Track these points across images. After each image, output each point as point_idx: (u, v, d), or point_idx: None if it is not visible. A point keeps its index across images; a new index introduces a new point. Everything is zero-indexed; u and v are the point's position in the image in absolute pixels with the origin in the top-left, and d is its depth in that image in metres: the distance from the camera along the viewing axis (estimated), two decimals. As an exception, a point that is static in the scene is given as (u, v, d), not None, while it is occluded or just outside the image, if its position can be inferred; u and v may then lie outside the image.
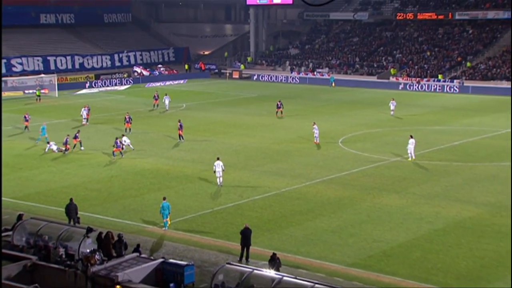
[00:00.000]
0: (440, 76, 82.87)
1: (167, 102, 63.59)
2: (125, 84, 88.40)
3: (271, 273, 21.42)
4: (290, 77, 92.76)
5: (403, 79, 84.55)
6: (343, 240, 28.06)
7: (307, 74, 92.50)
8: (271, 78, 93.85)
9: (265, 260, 25.46)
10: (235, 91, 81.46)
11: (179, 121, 49.72)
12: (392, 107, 57.57)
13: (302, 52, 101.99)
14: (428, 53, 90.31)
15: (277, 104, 60.78)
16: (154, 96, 64.04)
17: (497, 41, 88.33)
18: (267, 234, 28.98)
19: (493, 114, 61.71)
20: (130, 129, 51.38)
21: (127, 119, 51.86)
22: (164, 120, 59.32)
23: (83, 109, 56.98)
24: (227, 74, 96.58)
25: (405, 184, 36.81)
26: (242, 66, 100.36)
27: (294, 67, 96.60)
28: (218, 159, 36.97)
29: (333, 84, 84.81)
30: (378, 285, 23.33)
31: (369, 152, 44.64)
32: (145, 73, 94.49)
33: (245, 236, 25.96)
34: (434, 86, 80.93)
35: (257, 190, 35.87)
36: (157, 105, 63.07)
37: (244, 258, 25.86)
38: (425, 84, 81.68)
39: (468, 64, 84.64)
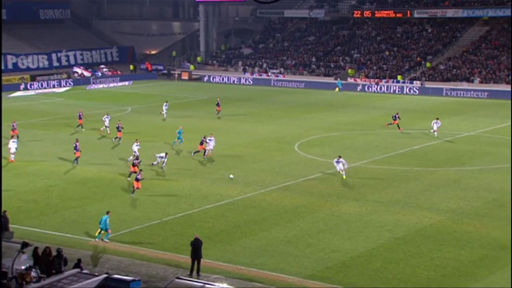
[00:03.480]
0: (399, 77, 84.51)
1: (165, 109, 61.59)
2: (64, 86, 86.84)
3: (224, 287, 21.37)
4: (243, 78, 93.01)
5: (361, 80, 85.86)
6: (300, 251, 28.25)
7: (261, 75, 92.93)
8: (222, 79, 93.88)
9: (217, 274, 25.43)
10: (185, 93, 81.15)
11: (119, 123, 50.29)
12: (435, 127, 52.36)
13: (255, 52, 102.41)
14: (387, 53, 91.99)
15: (217, 103, 61.99)
16: (79, 115, 55.66)
17: (456, 41, 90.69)
18: (219, 246, 28.93)
19: (454, 116, 63.27)
20: (120, 138, 50.17)
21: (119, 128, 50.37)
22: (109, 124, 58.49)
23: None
24: (176, 75, 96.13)
25: (364, 190, 37.35)
26: (191, 67, 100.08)
27: (247, 67, 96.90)
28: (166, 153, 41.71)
29: (337, 89, 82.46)
30: (336, 297, 23.60)
31: (327, 157, 45.12)
32: (86, 74, 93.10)
33: (195, 248, 25.86)
34: (393, 88, 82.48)
35: (209, 199, 35.78)
36: (82, 126, 55.33)
37: (195, 272, 25.73)
38: (384, 85, 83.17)
39: (428, 64, 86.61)
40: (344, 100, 76.01)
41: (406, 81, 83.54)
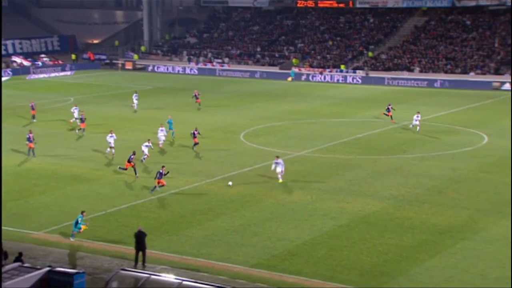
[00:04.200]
0: (342, 67, 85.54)
1: (135, 101, 60.53)
2: (3, 76, 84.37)
3: (170, 278, 21.28)
4: (188, 68, 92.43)
5: (305, 69, 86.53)
6: (246, 240, 28.36)
7: (206, 65, 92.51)
8: (167, 69, 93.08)
9: (163, 264, 25.28)
10: (129, 83, 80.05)
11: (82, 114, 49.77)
12: (417, 122, 50.14)
13: (200, 41, 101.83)
14: (330, 43, 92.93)
15: (195, 95, 60.99)
16: (31, 106, 55.00)
17: (397, 31, 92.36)
18: (165, 236, 28.76)
19: (395, 105, 64.41)
20: (84, 129, 49.15)
21: (82, 119, 49.25)
22: (50, 115, 57.30)
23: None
24: (119, 65, 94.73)
25: (310, 179, 37.73)
26: (135, 56, 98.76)
27: (191, 57, 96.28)
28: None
29: (290, 79, 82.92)
30: (282, 285, 23.78)
31: (273, 147, 45.35)
32: (26, 63, 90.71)
33: (139, 240, 25.64)
34: (337, 77, 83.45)
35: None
36: (34, 117, 54.51)
37: (140, 263, 25.52)
38: (328, 75, 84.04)
39: (370, 54, 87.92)
40: (289, 89, 76.47)
41: (349, 70, 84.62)
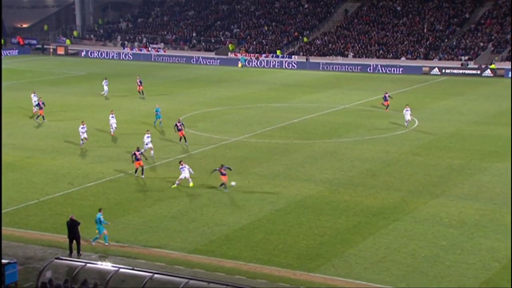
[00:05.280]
0: (278, 52, 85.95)
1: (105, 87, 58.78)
2: None
3: (107, 265, 21.03)
4: (123, 53, 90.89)
5: (241, 55, 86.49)
6: (183, 226, 28.28)
7: (141, 50, 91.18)
8: (101, 54, 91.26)
9: (99, 252, 24.93)
10: (61, 69, 78.10)
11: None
12: (408, 117, 46.95)
13: (134, 26, 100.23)
14: (266, 28, 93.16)
15: (138, 82, 59.77)
16: None
17: (331, 16, 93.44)
18: (101, 224, 28.33)
19: (330, 90, 65.40)
20: (43, 117, 47.71)
21: (41, 105, 47.35)
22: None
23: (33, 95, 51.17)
24: (51, 50, 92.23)
25: (247, 164, 37.87)
26: (68, 41, 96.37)
27: (126, 42, 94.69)
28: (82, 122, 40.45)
29: (240, 65, 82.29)
30: (220, 270, 23.86)
31: (210, 132, 45.25)
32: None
33: (71, 228, 25.19)
34: (273, 62, 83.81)
35: (90, 177, 34.89)
36: None
37: (75, 252, 25.09)
38: (264, 60, 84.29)
39: (305, 39, 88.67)
40: (225, 75, 76.35)
41: (285, 55, 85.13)
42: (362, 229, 27.79)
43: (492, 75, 72.87)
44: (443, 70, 75.01)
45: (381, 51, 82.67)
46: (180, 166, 33.44)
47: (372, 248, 25.83)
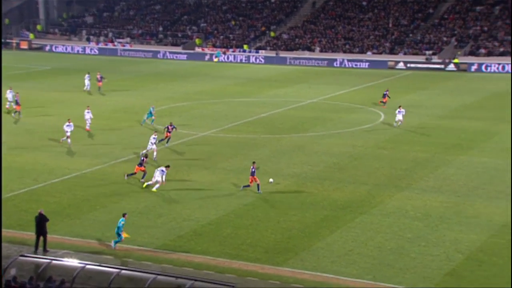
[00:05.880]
0: (245, 47, 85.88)
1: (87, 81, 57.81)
2: None
3: (73, 262, 20.82)
4: (88, 48, 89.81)
5: (208, 49, 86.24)
6: (151, 221, 28.14)
7: (106, 45, 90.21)
8: (66, 48, 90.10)
9: (66, 249, 24.67)
10: (25, 64, 76.86)
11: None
12: (400, 117, 45.38)
13: (100, 21, 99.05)
14: (233, 22, 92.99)
15: (98, 78, 58.96)
16: None
17: (298, 11, 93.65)
18: (67, 220, 28.06)
19: (297, 85, 65.62)
20: (19, 112, 46.74)
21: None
22: None
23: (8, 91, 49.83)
24: (14, 44, 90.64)
25: (215, 159, 37.82)
26: (31, 36, 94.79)
27: (91, 37, 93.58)
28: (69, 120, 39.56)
29: (216, 59, 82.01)
30: (188, 265, 23.82)
31: (177, 127, 44.98)
32: None
33: (39, 224, 24.88)
34: (240, 57, 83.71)
35: (55, 173, 34.46)
36: None
37: (41, 248, 24.78)
38: (231, 55, 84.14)
39: (272, 34, 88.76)
40: (193, 69, 76.04)
41: (252, 50, 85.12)
42: (329, 223, 28.00)
43: (455, 69, 73.95)
44: (408, 65, 75.85)
45: (347, 46, 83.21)
46: (161, 169, 32.08)
47: (339, 241, 26.06)
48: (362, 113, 50.99)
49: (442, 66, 74.78)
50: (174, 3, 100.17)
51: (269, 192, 32.07)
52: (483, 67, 72.64)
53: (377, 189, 32.47)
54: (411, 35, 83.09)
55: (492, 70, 72.06)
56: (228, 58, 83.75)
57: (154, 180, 32.11)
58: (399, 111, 45.40)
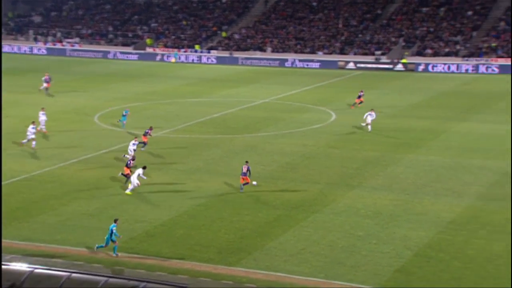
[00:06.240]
0: (197, 47, 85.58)
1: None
2: None
3: (21, 266, 20.35)
4: (36, 48, 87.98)
5: (160, 49, 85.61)
6: (102, 224, 27.73)
7: (55, 45, 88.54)
8: (12, 48, 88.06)
9: (14, 253, 24.09)
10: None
11: None
12: (369, 120, 44.38)
13: (47, 20, 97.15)
14: (184, 22, 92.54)
15: (46, 79, 57.62)
16: None
17: (249, 11, 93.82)
18: (15, 224, 27.44)
19: (249, 85, 65.75)
20: None
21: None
22: None
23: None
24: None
25: (167, 160, 37.57)
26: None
27: (39, 36, 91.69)
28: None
29: (173, 60, 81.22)
30: (141, 267, 23.60)
31: (129, 128, 44.54)
32: None
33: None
34: (191, 57, 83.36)
35: (3, 175, 33.58)
36: None
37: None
38: (183, 55, 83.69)
39: (224, 34, 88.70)
40: (144, 70, 75.36)
41: (203, 50, 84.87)
42: (282, 222, 28.16)
43: (403, 69, 75.31)
44: (358, 65, 76.88)
45: (298, 46, 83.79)
46: (141, 172, 31.61)
47: (292, 240, 26.23)
48: (313, 112, 51.45)
49: (391, 66, 76.07)
50: (124, 3, 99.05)
51: (222, 192, 32.05)
52: (429, 67, 74.19)
53: (329, 188, 32.82)
54: (360, 35, 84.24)
55: (438, 70, 73.68)
56: (180, 58, 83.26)
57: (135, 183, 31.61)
58: (370, 114, 44.46)
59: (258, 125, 46.90)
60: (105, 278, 18.91)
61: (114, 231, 24.64)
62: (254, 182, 32.56)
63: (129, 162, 33.19)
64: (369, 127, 44.03)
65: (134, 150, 36.36)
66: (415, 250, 25.20)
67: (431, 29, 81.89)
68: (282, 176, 34.77)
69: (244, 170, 32.11)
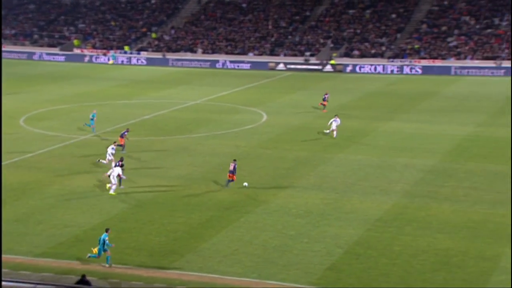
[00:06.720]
0: (126, 48, 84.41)
1: None
2: None
3: None
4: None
5: (88, 50, 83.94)
6: (30, 229, 27.00)
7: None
8: None
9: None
10: None
11: None
12: (334, 126, 43.06)
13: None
14: (113, 23, 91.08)
15: None
16: None
17: (179, 12, 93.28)
18: None
19: (180, 86, 65.40)
20: None
21: None
22: None
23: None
24: None
25: (95, 163, 36.83)
26: None
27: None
28: None
29: (111, 62, 79.32)
30: (70, 273, 23.04)
31: (56, 131, 43.50)
32: None
33: None
34: (121, 58, 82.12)
35: None
36: None
37: None
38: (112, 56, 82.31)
39: (154, 35, 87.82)
40: (72, 71, 73.72)
41: (133, 51, 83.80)
42: (215, 223, 28.14)
43: (332, 70, 76.63)
44: (288, 66, 77.70)
45: (229, 47, 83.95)
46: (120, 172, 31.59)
47: (225, 241, 26.25)
48: (245, 113, 51.65)
49: (320, 67, 77.27)
50: (49, 3, 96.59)
51: (154, 194, 31.73)
52: (357, 68, 75.82)
53: (261, 188, 33.01)
54: (290, 37, 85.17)
55: (365, 71, 75.38)
56: (108, 59, 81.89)
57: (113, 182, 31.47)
58: (334, 120, 43.24)
59: (189, 127, 46.69)
60: (32, 285, 18.38)
61: (106, 241, 23.81)
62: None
63: (118, 163, 32.62)
64: (335, 133, 42.83)
65: (113, 154, 35.41)
66: (345, 248, 25.68)
67: (358, 31, 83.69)
68: (214, 177, 34.73)
69: (231, 168, 32.56)
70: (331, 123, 43.20)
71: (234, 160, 33.18)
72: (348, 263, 24.38)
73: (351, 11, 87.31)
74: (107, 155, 35.47)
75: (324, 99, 52.64)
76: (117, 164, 32.46)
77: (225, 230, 27.39)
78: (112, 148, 35.84)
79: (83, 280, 21.01)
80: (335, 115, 44.07)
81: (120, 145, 38.33)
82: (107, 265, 24.01)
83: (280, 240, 26.37)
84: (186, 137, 43.63)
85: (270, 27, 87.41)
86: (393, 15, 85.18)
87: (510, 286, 22.56)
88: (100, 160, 35.62)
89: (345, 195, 31.96)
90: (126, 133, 39.31)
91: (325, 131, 43.46)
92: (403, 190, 32.65)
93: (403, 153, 39.63)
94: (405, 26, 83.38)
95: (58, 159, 37.25)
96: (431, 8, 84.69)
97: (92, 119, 43.52)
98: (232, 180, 32.68)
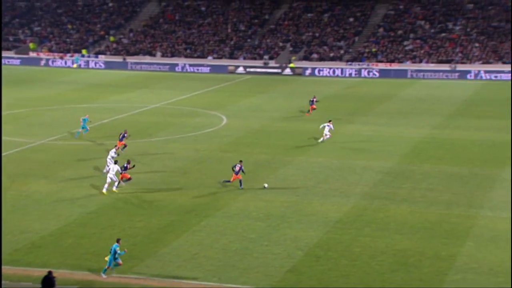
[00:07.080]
0: (84, 51, 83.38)
1: None
2: None
3: None
4: None
5: (44, 54, 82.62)
6: (-15, 237, 26.37)
7: None
8: None
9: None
10: None
11: None
12: (327, 131, 42.48)
13: None
14: (70, 26, 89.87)
15: None
16: None
17: (137, 15, 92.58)
18: None
19: (139, 90, 64.90)
20: None
21: None
22: None
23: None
24: None
25: (55, 167, 36.31)
26: None
27: None
28: None
29: (75, 65, 78.07)
30: (27, 280, 22.65)
31: (12, 135, 42.67)
32: None
33: None
34: (79, 62, 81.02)
35: None
36: None
37: None
38: (68, 60, 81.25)
39: (112, 38, 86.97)
40: (27, 75, 72.47)
41: (91, 55, 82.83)
42: (175, 228, 27.99)
43: (291, 73, 77.12)
44: (247, 69, 77.87)
45: (188, 51, 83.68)
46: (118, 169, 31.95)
47: (185, 245, 26.13)
48: (204, 117, 51.54)
49: (279, 70, 77.66)
50: (3, 5, 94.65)
51: (114, 199, 31.38)
52: (316, 71, 76.45)
53: (221, 192, 32.98)
54: (249, 40, 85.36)
55: (324, 74, 76.02)
56: (65, 63, 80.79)
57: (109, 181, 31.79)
58: (327, 125, 42.74)
59: (149, 130, 46.35)
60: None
61: (118, 251, 23.28)
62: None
63: (125, 165, 32.97)
64: (325, 137, 42.41)
65: (113, 157, 34.94)
66: (305, 250, 25.83)
67: (317, 34, 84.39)
68: (174, 181, 34.55)
69: (237, 169, 32.96)
70: (324, 127, 42.70)
71: (240, 161, 33.68)
72: (309, 265, 24.53)
73: (309, 15, 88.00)
74: (108, 159, 35.12)
75: (312, 103, 52.52)
76: (125, 166, 33.07)
77: (185, 234, 27.27)
78: (114, 152, 35.78)
79: (48, 277, 20.74)
80: (329, 120, 43.47)
81: (125, 146, 39.13)
82: (102, 275, 23.39)
83: (240, 244, 26.38)
84: (145, 141, 43.30)
85: (229, 30, 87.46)
86: (351, 19, 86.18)
87: (510, 286, 22.90)
88: (104, 171, 34.91)
89: (305, 198, 32.14)
90: (125, 135, 39.28)
91: (319, 141, 42.68)
92: (362, 192, 33.01)
93: (362, 155, 40.09)
94: (363, 29, 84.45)
95: (14, 164, 36.55)
96: (387, 12, 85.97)
97: (84, 124, 43.13)
98: (239, 180, 33.08)
